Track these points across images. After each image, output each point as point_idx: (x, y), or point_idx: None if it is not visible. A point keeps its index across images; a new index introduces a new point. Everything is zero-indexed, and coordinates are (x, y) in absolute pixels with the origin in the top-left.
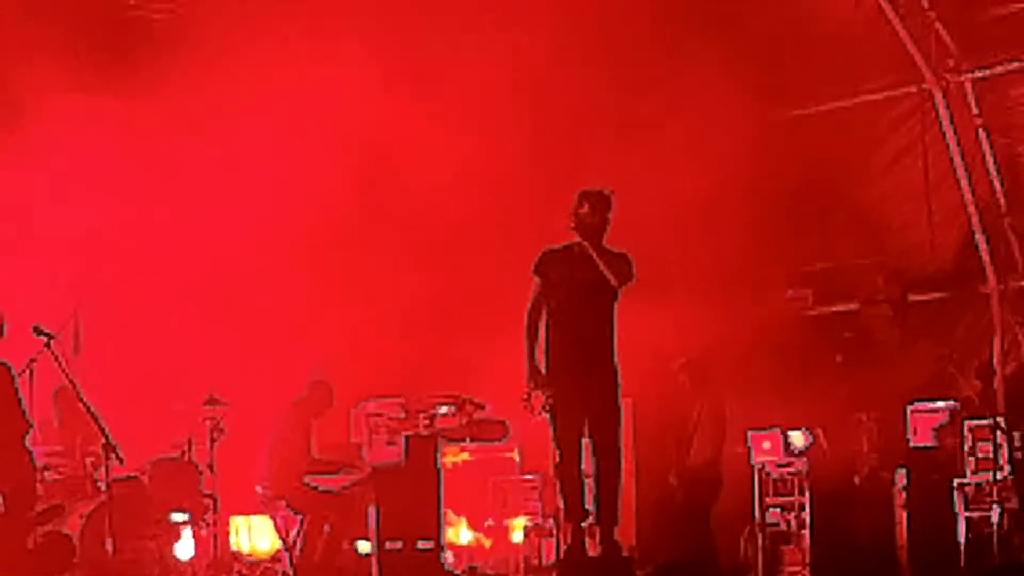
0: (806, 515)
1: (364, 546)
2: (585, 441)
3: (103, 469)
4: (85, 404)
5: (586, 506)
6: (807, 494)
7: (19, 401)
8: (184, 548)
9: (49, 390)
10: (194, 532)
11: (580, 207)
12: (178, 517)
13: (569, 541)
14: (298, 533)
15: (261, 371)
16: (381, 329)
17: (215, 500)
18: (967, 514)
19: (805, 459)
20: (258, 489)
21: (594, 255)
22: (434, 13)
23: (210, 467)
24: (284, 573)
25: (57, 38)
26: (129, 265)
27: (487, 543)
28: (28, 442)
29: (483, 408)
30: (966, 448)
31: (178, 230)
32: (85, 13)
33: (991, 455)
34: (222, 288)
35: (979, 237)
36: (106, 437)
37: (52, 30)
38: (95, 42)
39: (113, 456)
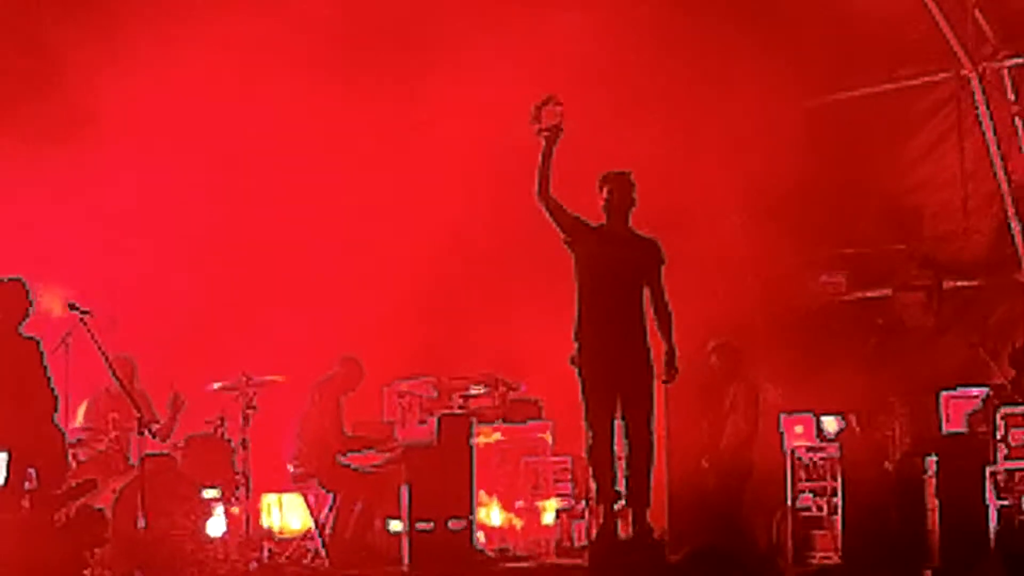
0: (838, 500)
1: (395, 525)
2: (618, 423)
3: (136, 445)
4: (119, 380)
5: (618, 488)
6: (839, 479)
7: (48, 376)
8: (216, 525)
9: (85, 366)
10: (226, 509)
11: (602, 190)
12: (210, 494)
13: (601, 523)
14: (330, 511)
15: (294, 348)
16: (414, 307)
17: (247, 477)
18: (998, 502)
19: (837, 444)
20: (289, 467)
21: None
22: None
23: (243, 444)
24: (315, 551)
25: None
26: (164, 242)
27: (519, 524)
28: (57, 417)
29: (516, 388)
30: (998, 435)
31: (214, 208)
32: None
33: (1023, 443)
34: (255, 265)
35: (1014, 224)
36: (140, 413)
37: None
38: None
39: (147, 432)
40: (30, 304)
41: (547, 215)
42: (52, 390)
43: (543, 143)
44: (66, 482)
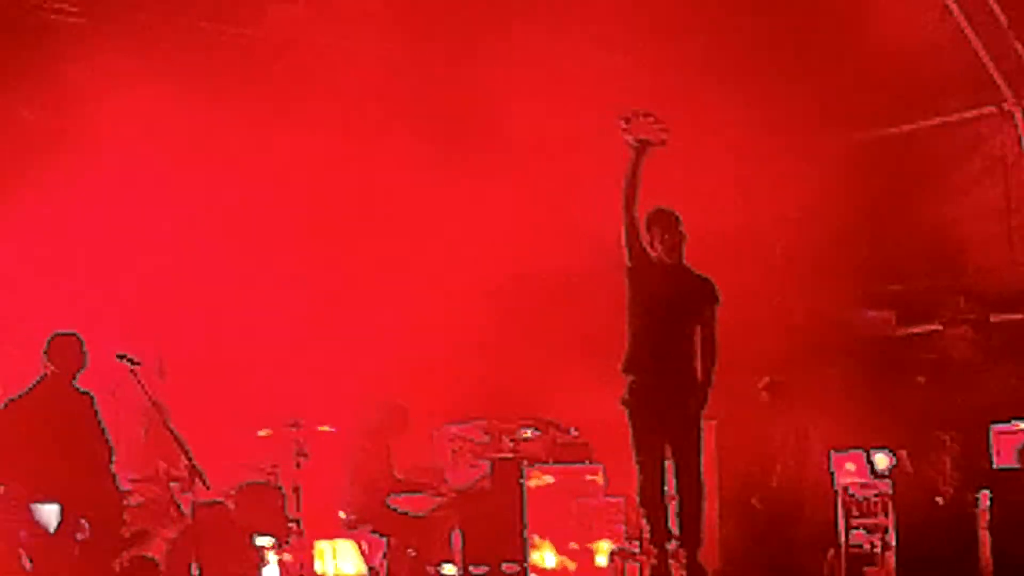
0: (891, 536)
1: (449, 570)
2: (668, 463)
3: (188, 494)
4: (170, 429)
5: (670, 528)
6: (891, 515)
7: (102, 429)
8: (270, 573)
9: (134, 416)
10: (279, 557)
11: (650, 230)
12: (263, 542)
13: (654, 564)
14: (384, 557)
15: (344, 394)
16: (464, 351)
17: (300, 524)
18: None
19: (889, 480)
20: (341, 514)
21: None
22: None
23: (295, 491)
24: None
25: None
26: (214, 289)
27: (572, 566)
28: (113, 468)
29: (567, 431)
30: None
31: (263, 255)
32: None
33: None
34: (305, 311)
35: None
36: (191, 461)
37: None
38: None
39: (198, 480)
40: (84, 358)
41: (623, 231)
42: (107, 442)
43: (632, 153)
44: (119, 532)
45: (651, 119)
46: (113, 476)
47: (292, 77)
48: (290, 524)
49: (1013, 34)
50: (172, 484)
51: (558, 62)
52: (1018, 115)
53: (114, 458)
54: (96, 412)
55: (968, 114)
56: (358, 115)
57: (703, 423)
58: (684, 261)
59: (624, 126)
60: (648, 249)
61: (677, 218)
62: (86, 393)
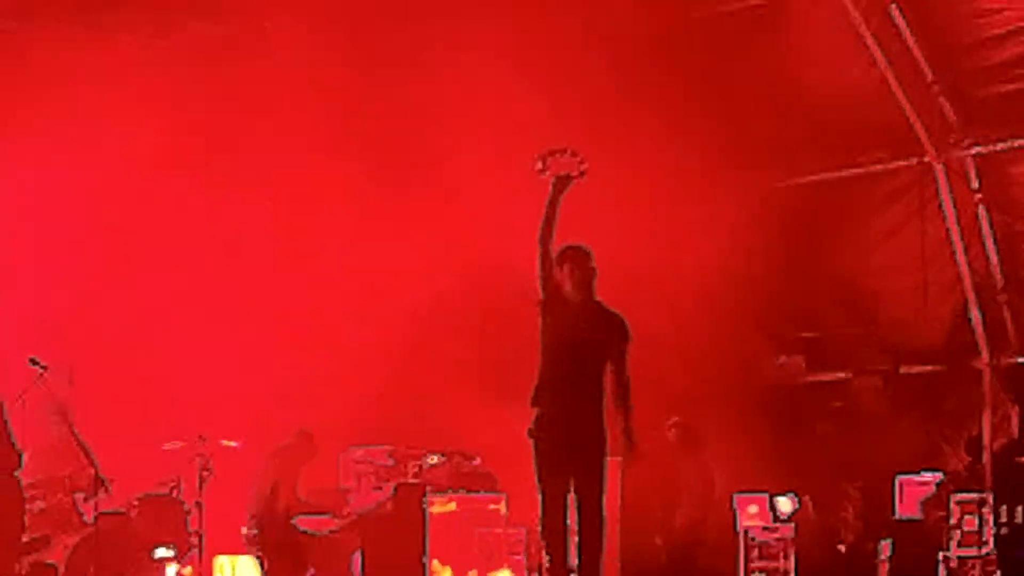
0: None
1: None
2: (571, 497)
3: (91, 502)
4: (76, 436)
5: (569, 562)
6: (792, 560)
7: (9, 434)
8: None
9: (41, 422)
10: (178, 570)
11: (562, 267)
12: (162, 553)
13: None
14: None
15: (252, 413)
16: (376, 377)
17: (201, 538)
18: None
19: (791, 525)
20: (243, 530)
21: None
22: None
23: (197, 505)
24: None
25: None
26: (127, 302)
27: None
28: (19, 474)
29: (472, 459)
30: (952, 522)
31: (175, 271)
32: None
33: (976, 530)
34: (217, 329)
35: (973, 312)
36: (96, 469)
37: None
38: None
39: (102, 489)
40: None
41: (537, 264)
42: (14, 447)
43: (551, 189)
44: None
45: (568, 153)
46: (17, 481)
47: (215, 90)
48: (191, 538)
49: (937, 88)
50: (75, 492)
51: (484, 101)
52: (939, 170)
53: (22, 464)
54: (3, 416)
55: (888, 166)
56: (283, 133)
57: (608, 460)
58: (595, 297)
59: (540, 166)
60: (561, 284)
61: (588, 254)
62: None
